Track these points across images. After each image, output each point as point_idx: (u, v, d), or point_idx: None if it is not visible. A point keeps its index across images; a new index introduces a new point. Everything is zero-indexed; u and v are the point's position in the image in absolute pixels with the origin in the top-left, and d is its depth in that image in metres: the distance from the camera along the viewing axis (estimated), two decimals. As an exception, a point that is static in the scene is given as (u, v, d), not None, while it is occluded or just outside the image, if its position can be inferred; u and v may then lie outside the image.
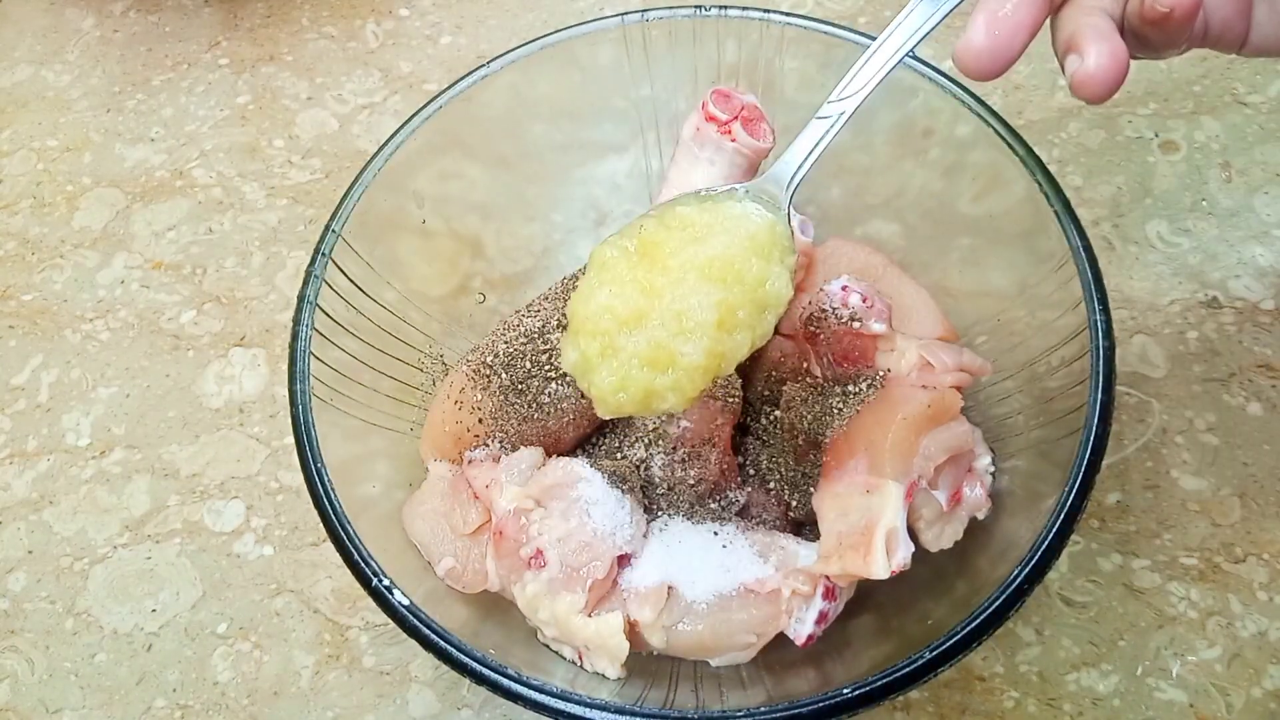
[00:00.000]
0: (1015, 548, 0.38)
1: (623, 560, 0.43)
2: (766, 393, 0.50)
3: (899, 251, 0.52)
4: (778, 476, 0.47)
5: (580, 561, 0.41)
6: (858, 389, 0.45)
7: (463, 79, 0.49)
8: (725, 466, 0.47)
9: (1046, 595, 0.49)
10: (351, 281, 0.47)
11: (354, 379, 0.46)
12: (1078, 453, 0.38)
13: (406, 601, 0.39)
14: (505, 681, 0.37)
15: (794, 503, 0.46)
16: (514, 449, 0.47)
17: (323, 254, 0.45)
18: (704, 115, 0.50)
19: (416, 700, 0.50)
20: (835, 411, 0.44)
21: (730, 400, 0.48)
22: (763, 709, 0.36)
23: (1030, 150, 0.44)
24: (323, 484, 0.41)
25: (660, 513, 0.45)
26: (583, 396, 0.40)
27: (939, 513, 0.43)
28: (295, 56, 0.73)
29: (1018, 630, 0.48)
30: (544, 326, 0.47)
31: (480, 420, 0.47)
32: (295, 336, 0.44)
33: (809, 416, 0.45)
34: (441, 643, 0.38)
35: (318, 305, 0.45)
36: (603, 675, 0.42)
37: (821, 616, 0.42)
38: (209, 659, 0.52)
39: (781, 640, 0.42)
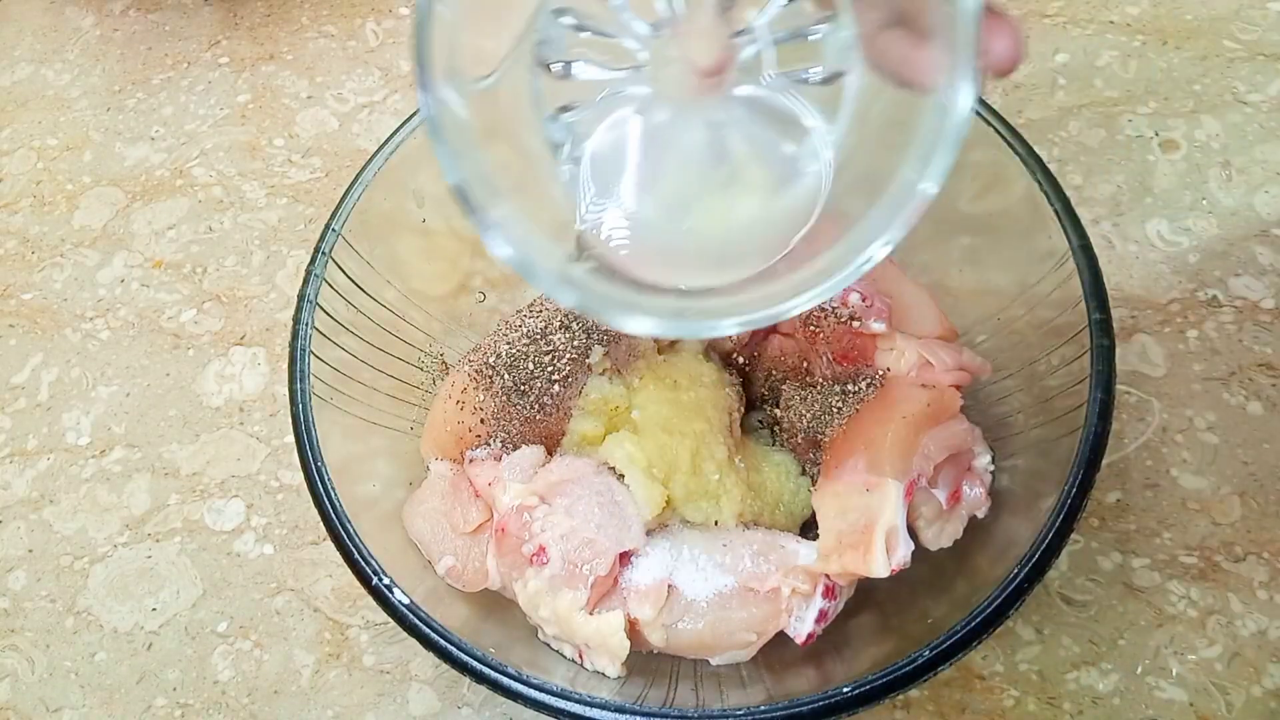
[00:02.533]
0: (1015, 546, 0.38)
1: (624, 558, 0.43)
2: (766, 392, 0.50)
3: (898, 250, 0.51)
4: (778, 475, 0.47)
5: (582, 559, 0.42)
6: (857, 388, 0.45)
7: (463, 78, 0.49)
8: (725, 465, 0.47)
9: (1046, 594, 0.49)
10: (352, 280, 0.47)
11: (354, 378, 0.46)
12: (1077, 451, 0.38)
13: (406, 600, 0.39)
14: (505, 680, 0.37)
15: (794, 501, 0.46)
16: (515, 449, 0.47)
17: (323, 253, 0.46)
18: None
19: (417, 699, 0.50)
20: (835, 410, 0.44)
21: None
22: (763, 708, 0.36)
23: (1030, 149, 0.44)
24: (323, 483, 0.41)
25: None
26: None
27: (939, 511, 0.43)
28: (295, 55, 0.73)
29: (1017, 629, 0.48)
30: (546, 327, 0.47)
31: (482, 420, 0.47)
32: (295, 335, 0.44)
33: (809, 415, 0.45)
34: (441, 641, 0.38)
35: (318, 304, 0.45)
36: (603, 674, 0.42)
37: (821, 615, 0.42)
38: (209, 658, 0.52)
39: (781, 639, 0.42)
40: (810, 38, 0.34)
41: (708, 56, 0.34)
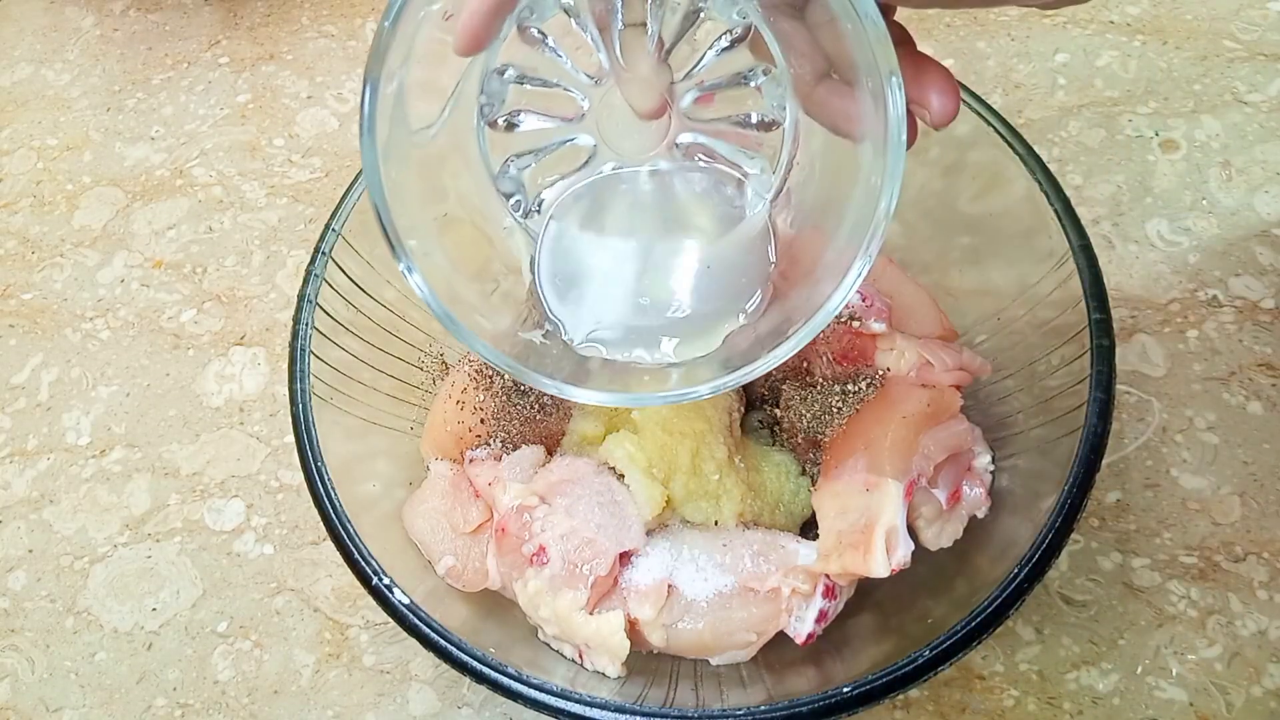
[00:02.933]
0: (1015, 546, 0.38)
1: (624, 558, 0.43)
2: (766, 392, 0.50)
3: (899, 251, 0.52)
4: (778, 475, 0.47)
5: (582, 558, 0.42)
6: (857, 388, 0.45)
7: (463, 78, 0.49)
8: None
9: (1046, 594, 0.49)
10: (352, 280, 0.47)
11: (354, 378, 0.46)
12: (1077, 451, 0.38)
13: (406, 600, 0.39)
14: (505, 680, 0.37)
15: (794, 501, 0.46)
16: (515, 449, 0.47)
17: (323, 253, 0.46)
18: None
19: (417, 699, 0.50)
20: (835, 410, 0.44)
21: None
22: (763, 708, 0.36)
23: (1030, 149, 0.44)
24: (323, 483, 0.41)
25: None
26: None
27: (939, 511, 0.43)
28: (295, 55, 0.73)
29: (1017, 629, 0.48)
30: (545, 326, 0.47)
31: (482, 420, 0.47)
32: (295, 335, 0.44)
33: (809, 415, 0.45)
34: (441, 641, 0.38)
35: (318, 304, 0.45)
36: (603, 674, 0.42)
37: (821, 615, 0.42)
38: (209, 658, 0.52)
39: (781, 639, 0.42)
40: (751, 83, 0.34)
41: (646, 101, 0.34)
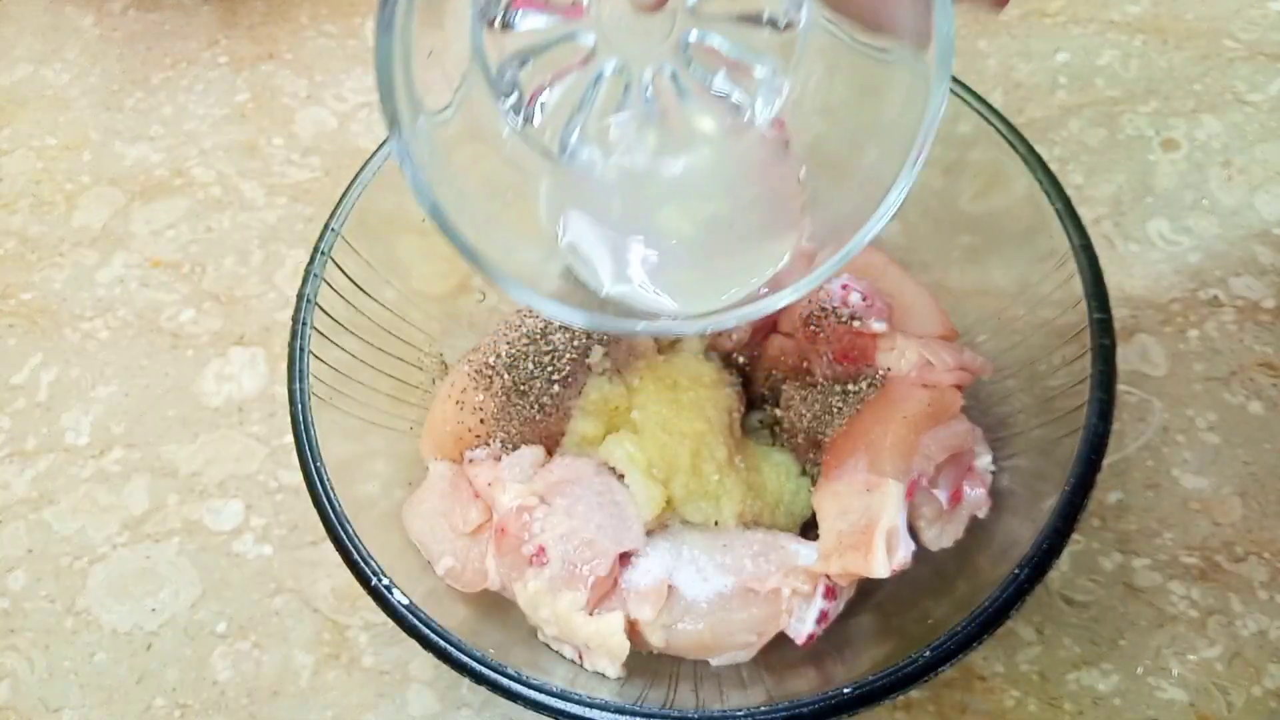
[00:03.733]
0: (1016, 547, 0.38)
1: (624, 559, 0.42)
2: (766, 392, 0.50)
3: (899, 250, 0.51)
4: (778, 475, 0.47)
5: (582, 559, 0.41)
6: (858, 388, 0.45)
7: (462, 77, 0.49)
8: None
9: (1047, 594, 0.49)
10: (351, 280, 0.47)
11: (353, 378, 0.46)
12: (1078, 451, 0.38)
13: (406, 601, 0.39)
14: (505, 681, 0.37)
15: (794, 502, 0.46)
16: (515, 449, 0.47)
17: (322, 252, 0.45)
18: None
19: (416, 700, 0.49)
20: (835, 410, 0.44)
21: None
22: (763, 709, 0.36)
23: (1031, 148, 0.44)
24: (322, 483, 0.41)
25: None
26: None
27: (939, 511, 0.43)
28: (294, 55, 0.73)
29: (1018, 629, 0.48)
30: (546, 328, 0.47)
31: (482, 421, 0.47)
32: (294, 335, 0.44)
33: (809, 415, 0.45)
34: (441, 642, 0.38)
35: (317, 304, 0.45)
36: (603, 675, 0.42)
37: (822, 616, 0.42)
38: (208, 658, 0.52)
39: (782, 639, 0.42)
40: None
41: None
